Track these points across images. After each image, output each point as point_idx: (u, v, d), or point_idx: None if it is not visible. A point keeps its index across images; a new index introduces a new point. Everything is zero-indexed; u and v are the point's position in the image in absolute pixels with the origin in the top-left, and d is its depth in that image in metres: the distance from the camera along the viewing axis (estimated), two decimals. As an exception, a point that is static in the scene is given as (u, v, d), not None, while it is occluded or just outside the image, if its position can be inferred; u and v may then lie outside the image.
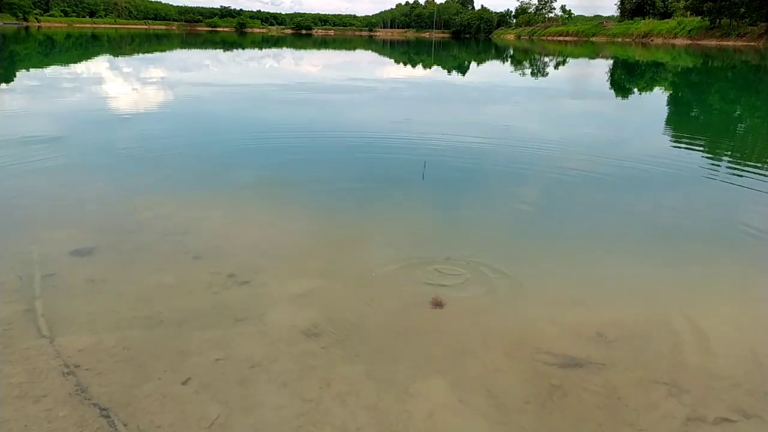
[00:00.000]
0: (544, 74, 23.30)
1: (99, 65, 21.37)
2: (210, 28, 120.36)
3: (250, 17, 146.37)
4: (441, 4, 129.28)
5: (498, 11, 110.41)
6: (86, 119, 8.70)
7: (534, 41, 71.10)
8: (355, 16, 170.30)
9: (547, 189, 5.36)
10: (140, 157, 6.17)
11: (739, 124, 10.45)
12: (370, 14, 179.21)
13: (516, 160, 6.46)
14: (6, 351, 2.43)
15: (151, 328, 2.65)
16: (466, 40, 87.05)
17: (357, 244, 3.81)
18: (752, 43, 43.05)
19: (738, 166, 6.37)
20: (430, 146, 6.99)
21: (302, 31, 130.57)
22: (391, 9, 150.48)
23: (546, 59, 34.47)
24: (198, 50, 38.98)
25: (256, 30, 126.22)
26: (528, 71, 25.12)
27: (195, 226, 4.01)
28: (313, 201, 4.80)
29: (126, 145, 6.77)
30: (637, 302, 3.05)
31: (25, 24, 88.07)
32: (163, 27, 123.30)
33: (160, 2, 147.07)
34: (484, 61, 35.31)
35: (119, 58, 27.29)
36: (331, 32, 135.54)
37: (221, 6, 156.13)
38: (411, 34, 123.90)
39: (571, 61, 34.43)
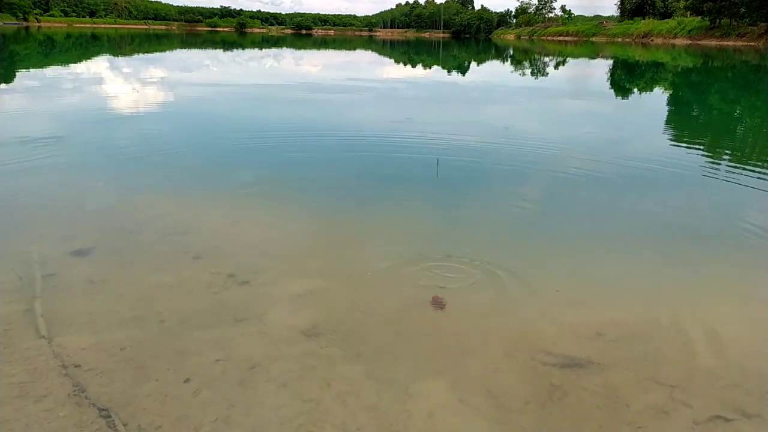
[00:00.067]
0: (545, 74, 23.29)
1: (99, 65, 21.37)
2: (210, 28, 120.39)
3: (250, 17, 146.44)
4: (441, 4, 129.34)
5: (498, 11, 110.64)
6: (86, 119, 8.70)
7: (534, 41, 71.09)
8: (355, 16, 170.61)
9: (547, 188, 5.36)
10: (140, 156, 6.17)
11: (739, 124, 10.45)
12: (370, 14, 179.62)
13: (516, 159, 6.46)
14: (6, 351, 2.44)
15: (151, 328, 2.65)
16: (466, 40, 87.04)
17: (357, 243, 3.81)
18: (752, 43, 43.04)
19: (738, 166, 6.37)
20: (430, 146, 6.98)
21: (302, 31, 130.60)
22: (391, 9, 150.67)
23: (546, 59, 34.47)
24: (198, 50, 38.98)
25: (256, 30, 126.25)
26: (528, 71, 25.12)
27: (195, 226, 4.01)
28: (313, 201, 4.80)
29: (126, 144, 6.77)
30: (637, 302, 3.05)
31: (25, 24, 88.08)
32: (163, 27, 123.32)
33: (160, 2, 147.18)
34: (484, 61, 35.31)
35: (119, 58, 27.29)
36: (331, 32, 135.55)
37: (221, 6, 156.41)
38: (411, 34, 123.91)
39: (571, 61, 34.42)
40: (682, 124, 10.42)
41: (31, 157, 5.84)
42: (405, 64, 29.89)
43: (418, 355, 2.51)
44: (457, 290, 3.06)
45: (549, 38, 74.08)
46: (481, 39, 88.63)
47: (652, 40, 54.33)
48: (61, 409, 2.10)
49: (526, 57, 38.69)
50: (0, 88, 13.21)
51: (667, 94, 15.81)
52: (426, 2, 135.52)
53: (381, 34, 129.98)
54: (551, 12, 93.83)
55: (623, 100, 14.23)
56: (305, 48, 49.78)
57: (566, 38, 70.71)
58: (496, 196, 5.21)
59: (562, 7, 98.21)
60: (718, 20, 48.27)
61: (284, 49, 46.95)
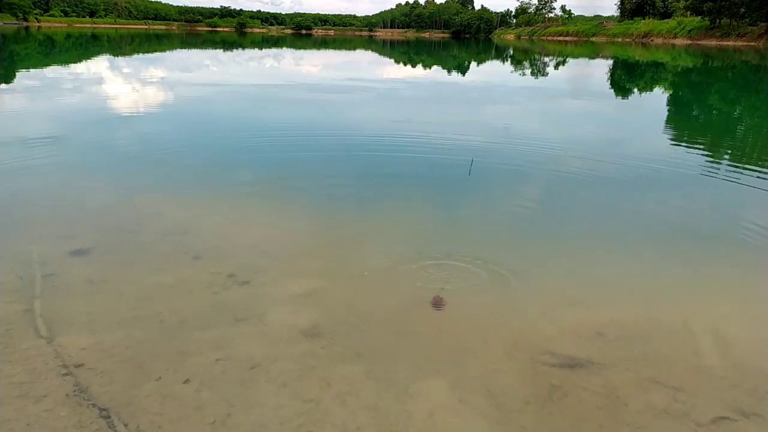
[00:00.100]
0: (545, 74, 23.29)
1: (99, 65, 21.37)
2: (210, 28, 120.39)
3: (250, 17, 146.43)
4: (441, 4, 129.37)
5: (498, 11, 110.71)
6: (86, 119, 8.70)
7: (534, 41, 71.09)
8: (355, 16, 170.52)
9: (547, 188, 5.36)
10: (140, 156, 6.17)
11: (739, 124, 10.45)
12: (370, 14, 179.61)
13: (516, 159, 6.45)
14: (6, 351, 2.43)
15: (151, 328, 2.65)
16: (466, 40, 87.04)
17: (357, 243, 3.81)
18: (752, 43, 43.05)
19: (738, 166, 6.37)
20: (430, 146, 6.98)
21: (302, 31, 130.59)
22: (391, 9, 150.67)
23: (546, 59, 34.46)
24: (198, 50, 38.97)
25: (256, 30, 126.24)
26: (528, 71, 25.12)
27: (195, 226, 4.01)
28: (313, 201, 4.80)
29: (126, 144, 6.77)
30: (638, 302, 3.05)
31: (25, 24, 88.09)
32: (163, 27, 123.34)
33: (160, 2, 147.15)
34: (484, 61, 35.31)
35: (119, 58, 27.29)
36: (331, 32, 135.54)
37: (221, 6, 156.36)
38: (411, 34, 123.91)
39: (571, 61, 34.42)
40: (683, 124, 10.42)
41: (31, 157, 5.84)
42: (405, 64, 29.89)
43: (418, 355, 2.51)
44: (457, 290, 3.06)
45: (549, 38, 74.09)
46: (481, 39, 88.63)
47: (652, 40, 54.34)
48: (61, 409, 2.09)
49: (526, 57, 38.69)
50: (0, 88, 13.21)
51: (667, 94, 15.81)
52: (426, 2, 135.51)
53: (381, 34, 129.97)
54: (551, 12, 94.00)
55: (623, 100, 14.23)
56: (305, 48, 49.78)
57: (566, 38, 70.71)
58: (496, 195, 5.21)
59: (562, 7, 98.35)
60: (718, 20, 48.28)
61: (284, 49, 46.95)
